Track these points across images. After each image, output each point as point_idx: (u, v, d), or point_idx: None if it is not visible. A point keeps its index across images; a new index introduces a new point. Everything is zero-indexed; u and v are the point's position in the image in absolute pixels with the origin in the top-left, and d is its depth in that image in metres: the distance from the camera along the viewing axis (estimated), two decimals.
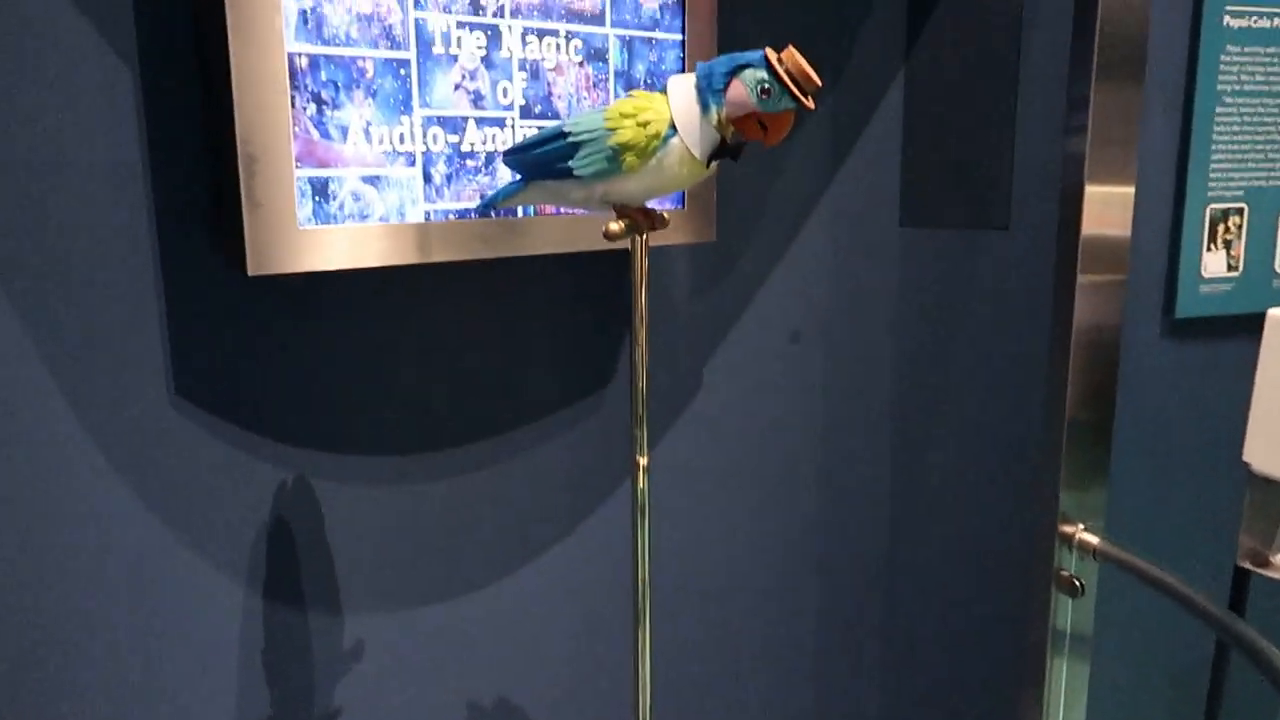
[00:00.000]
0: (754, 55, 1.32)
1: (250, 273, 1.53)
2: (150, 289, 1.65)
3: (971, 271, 2.17)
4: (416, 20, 1.65)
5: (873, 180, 2.26)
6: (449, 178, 1.73)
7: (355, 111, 1.60)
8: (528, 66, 1.79)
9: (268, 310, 1.76)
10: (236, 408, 1.75)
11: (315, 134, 1.57)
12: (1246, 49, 2.15)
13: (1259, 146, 2.22)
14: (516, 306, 2.02)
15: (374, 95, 1.62)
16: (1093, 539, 2.00)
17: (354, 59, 1.58)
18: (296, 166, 1.55)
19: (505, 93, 1.77)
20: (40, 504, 1.61)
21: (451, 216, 1.74)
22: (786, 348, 2.33)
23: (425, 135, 1.69)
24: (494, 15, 1.74)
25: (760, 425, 2.32)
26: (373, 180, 1.64)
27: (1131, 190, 2.01)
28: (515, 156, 1.46)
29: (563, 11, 1.82)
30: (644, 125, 1.34)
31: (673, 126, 1.34)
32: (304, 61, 1.54)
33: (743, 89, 1.30)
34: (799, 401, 2.35)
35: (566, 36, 1.83)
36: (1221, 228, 2.23)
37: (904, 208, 2.24)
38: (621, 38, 1.90)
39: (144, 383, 1.67)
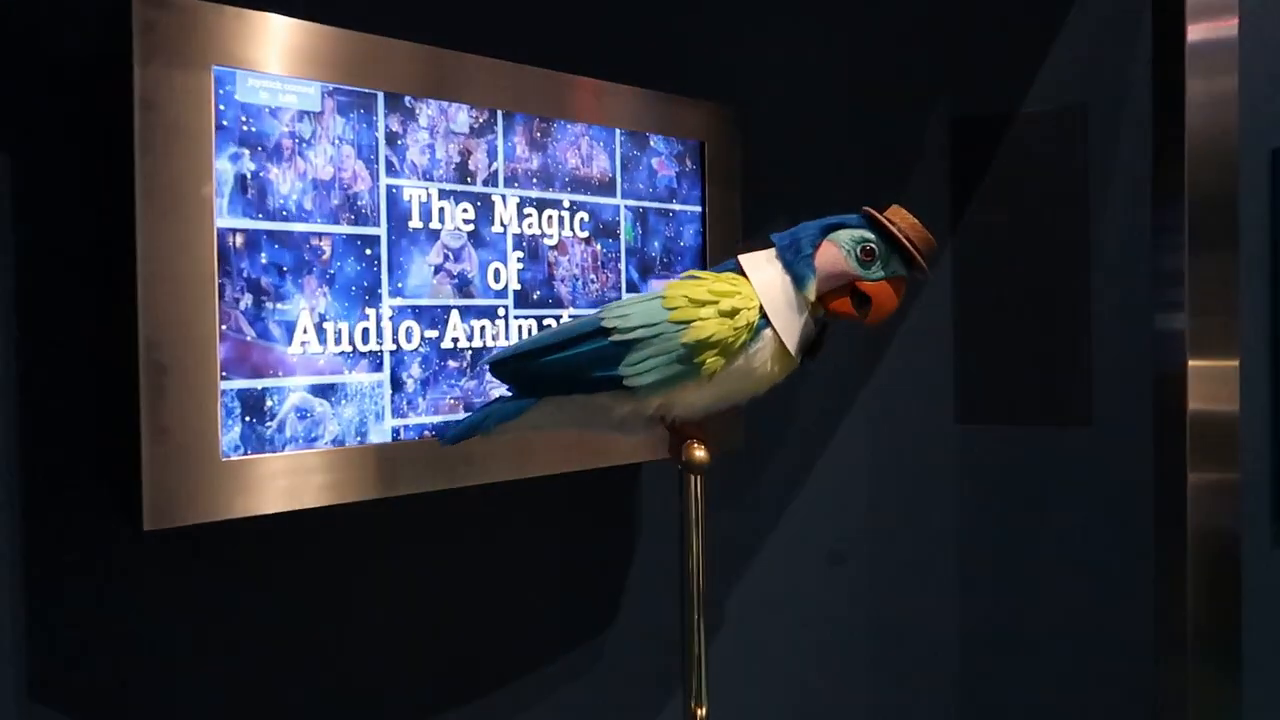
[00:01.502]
0: (850, 216, 1.02)
1: (147, 526, 1.09)
2: (5, 555, 1.18)
3: (1048, 472, 1.82)
4: (389, 189, 1.30)
5: (920, 372, 1.93)
6: (425, 383, 1.33)
7: (305, 303, 1.21)
8: (525, 244, 1.44)
9: (169, 583, 1.29)
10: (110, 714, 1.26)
11: (250, 333, 1.17)
12: None
13: None
14: (499, 546, 1.59)
15: (331, 282, 1.24)
16: None
17: (307, 236, 1.21)
18: (223, 377, 1.15)
19: (498, 276, 1.41)
20: None
21: (428, 434, 1.33)
22: (826, 571, 1.92)
23: (397, 331, 1.30)
24: (484, 183, 1.40)
25: (797, 669, 1.87)
26: (325, 391, 1.24)
27: (1236, 364, 1.72)
28: (517, 365, 1.06)
29: (566, 179, 1.49)
30: (730, 315, 0.99)
31: (763, 315, 1.00)
32: (239, 240, 1.16)
33: (837, 252, 1.00)
34: (842, 636, 1.92)
35: (571, 208, 1.50)
36: None
37: (960, 402, 1.90)
38: (633, 209, 1.58)
39: None
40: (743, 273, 1.03)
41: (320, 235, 1.23)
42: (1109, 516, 1.80)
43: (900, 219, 1.00)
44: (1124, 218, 1.79)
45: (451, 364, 1.36)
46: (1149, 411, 1.74)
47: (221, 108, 1.15)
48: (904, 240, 0.99)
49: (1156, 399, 1.74)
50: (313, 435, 1.23)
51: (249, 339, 1.17)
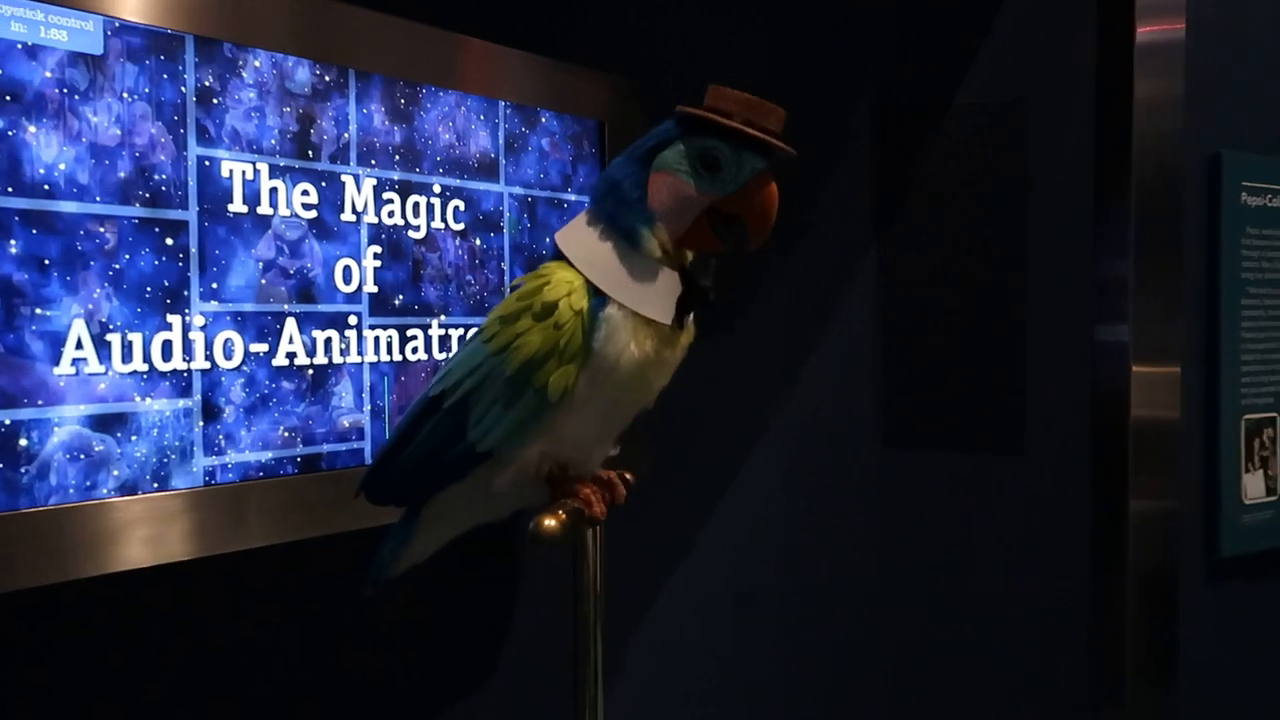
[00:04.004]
0: (664, 127, 0.79)
1: None
2: None
3: (978, 499, 1.66)
4: (201, 161, 1.00)
5: (842, 387, 1.73)
6: (250, 410, 1.05)
7: (79, 308, 0.92)
8: (384, 236, 1.17)
9: None
10: None
11: None
12: (1265, 231, 1.81)
13: None
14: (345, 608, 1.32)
15: (117, 281, 0.94)
16: None
17: (82, 220, 0.92)
18: None
19: (348, 276, 1.13)
20: None
21: (258, 475, 1.05)
22: (735, 615, 1.71)
23: (211, 344, 1.01)
24: (331, 160, 1.12)
25: None
26: (110, 424, 0.94)
27: (1178, 371, 1.60)
28: (383, 478, 0.84)
29: (438, 159, 1.22)
30: (547, 312, 0.76)
31: (596, 292, 0.77)
32: None
33: (672, 179, 0.77)
34: (757, 681, 1.72)
35: (443, 194, 1.23)
36: (1257, 442, 1.82)
37: (887, 422, 1.71)
38: (519, 198, 1.32)
39: None
40: (561, 255, 0.79)
41: (102, 219, 0.93)
42: (1036, 553, 1.64)
43: (728, 102, 0.76)
44: (1063, 220, 1.63)
45: (286, 385, 1.08)
46: (1086, 432, 1.59)
47: None
48: (747, 127, 0.75)
49: (1095, 414, 1.59)
50: (91, 483, 0.93)
51: None
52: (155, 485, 0.97)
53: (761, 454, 1.75)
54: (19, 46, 0.88)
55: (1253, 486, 1.87)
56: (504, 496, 0.82)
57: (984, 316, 1.67)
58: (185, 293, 0.99)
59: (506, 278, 1.31)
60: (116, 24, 0.94)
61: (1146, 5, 1.59)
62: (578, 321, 0.76)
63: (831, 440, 1.74)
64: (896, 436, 1.71)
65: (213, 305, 1.01)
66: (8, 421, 0.88)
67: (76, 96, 0.91)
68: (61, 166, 0.90)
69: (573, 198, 1.39)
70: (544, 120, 1.35)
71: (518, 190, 1.32)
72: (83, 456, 0.93)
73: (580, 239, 0.79)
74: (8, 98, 0.87)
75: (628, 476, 0.88)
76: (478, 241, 1.27)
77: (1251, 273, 1.84)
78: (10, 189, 0.87)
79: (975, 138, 1.68)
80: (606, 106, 1.42)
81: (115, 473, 0.95)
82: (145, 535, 0.97)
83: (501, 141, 1.30)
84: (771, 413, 1.77)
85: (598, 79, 1.41)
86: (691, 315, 0.80)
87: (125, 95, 0.94)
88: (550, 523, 0.78)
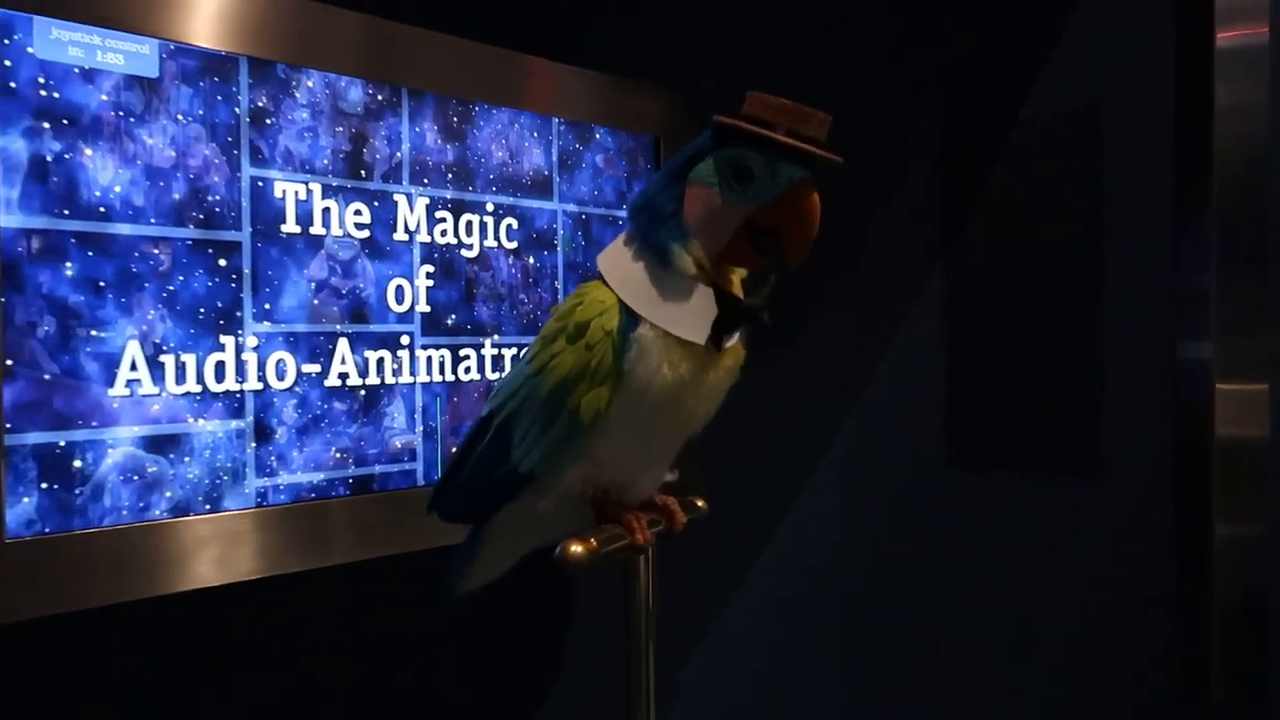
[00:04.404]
0: (701, 138, 0.74)
1: None
2: None
3: (1046, 525, 1.58)
4: (254, 182, 1.00)
5: (906, 408, 1.67)
6: (302, 431, 1.04)
7: (133, 329, 0.92)
8: (437, 255, 1.16)
9: None
10: None
11: (49, 369, 0.87)
12: None
13: None
14: (401, 631, 1.30)
15: (171, 302, 0.94)
16: None
17: (136, 242, 0.92)
18: (8, 430, 0.85)
19: (400, 295, 1.13)
20: None
21: (310, 497, 1.04)
22: (790, 640, 1.66)
23: (264, 365, 1.01)
24: (384, 179, 1.11)
25: None
26: (162, 445, 0.94)
27: (1265, 389, 1.51)
28: (448, 495, 0.83)
29: (490, 177, 1.21)
30: (579, 333, 0.73)
31: (629, 312, 0.73)
32: (35, 244, 0.86)
33: (706, 192, 0.72)
34: (807, 714, 1.66)
35: (496, 213, 1.22)
36: None
37: (951, 443, 1.65)
38: (573, 216, 1.31)
39: None
40: (600, 275, 0.76)
41: (156, 240, 0.94)
42: (1110, 580, 1.56)
43: (765, 109, 0.71)
44: (1141, 232, 1.56)
45: (338, 406, 1.07)
46: (1169, 452, 1.51)
47: (7, 64, 0.85)
48: (780, 135, 0.70)
49: (1177, 434, 1.51)
50: (145, 505, 0.93)
51: (49, 377, 0.87)
52: (212, 506, 0.97)
53: (819, 477, 1.70)
54: (76, 70, 0.88)
55: None
56: (551, 518, 0.80)
57: (1057, 334, 1.60)
58: (238, 314, 0.99)
59: (560, 296, 1.29)
60: (171, 46, 0.94)
61: (1227, 9, 1.52)
62: (609, 342, 0.72)
63: (892, 462, 1.68)
64: (960, 458, 1.65)
65: (265, 326, 1.01)
66: (63, 442, 0.88)
67: (132, 119, 0.92)
68: (117, 189, 0.91)
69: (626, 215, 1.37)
70: (598, 136, 1.33)
71: (571, 208, 1.30)
72: (136, 478, 0.93)
73: (615, 258, 0.76)
74: (65, 121, 0.88)
75: (699, 504, 0.85)
76: (531, 260, 1.26)
77: None
78: (66, 212, 0.88)
79: (1047, 147, 1.62)
80: (660, 121, 1.40)
81: (167, 496, 0.94)
82: (200, 557, 0.96)
83: (555, 158, 1.28)
84: (830, 433, 1.72)
85: (652, 94, 1.39)
86: (736, 336, 0.76)
87: (180, 117, 0.95)
88: (577, 549, 0.74)
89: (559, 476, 0.77)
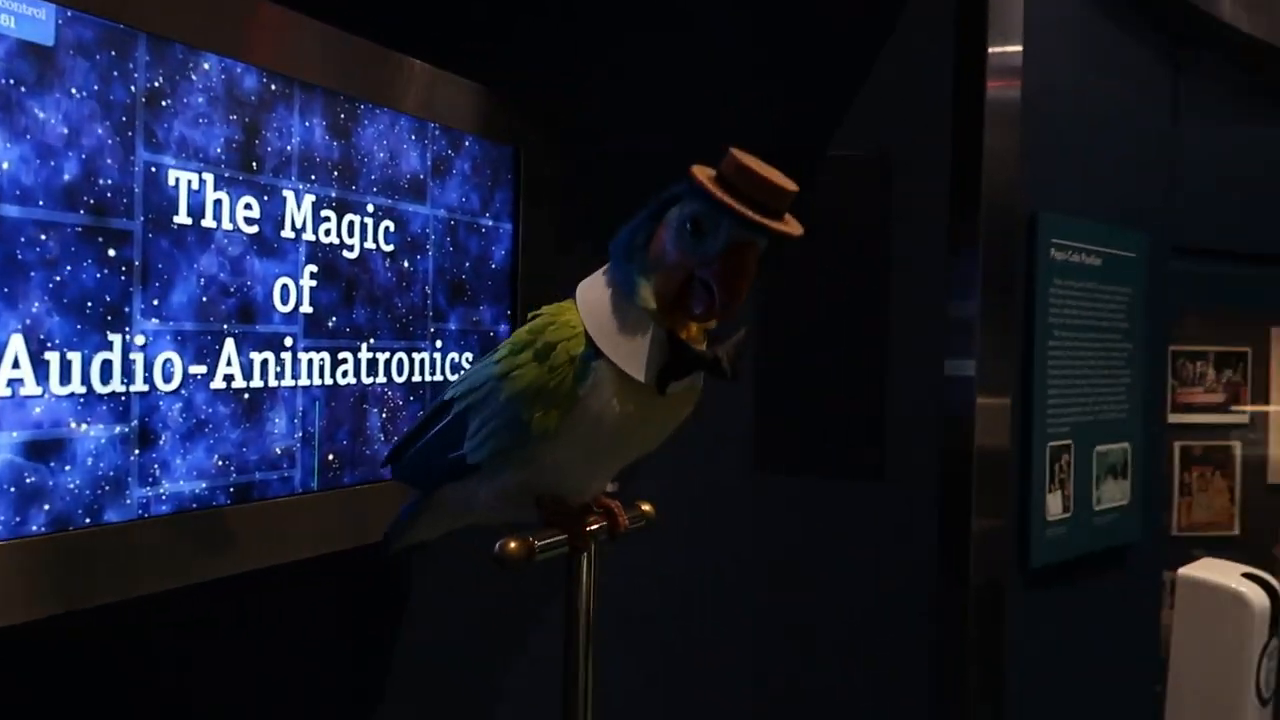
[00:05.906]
0: (682, 184, 0.77)
1: None
2: None
3: (838, 524, 1.78)
4: (149, 168, 0.93)
5: (720, 413, 1.81)
6: (185, 438, 0.97)
7: (15, 323, 0.82)
8: (320, 255, 1.12)
9: None
10: None
11: None
12: (1066, 282, 2.08)
13: (1079, 381, 2.14)
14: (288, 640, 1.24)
15: (56, 296, 0.85)
16: None
17: (20, 226, 0.83)
18: None
19: (286, 295, 1.08)
20: None
21: (192, 507, 0.97)
22: (622, 628, 1.73)
23: (151, 365, 0.94)
24: (273, 173, 1.06)
25: None
26: (40, 452, 0.85)
27: (1009, 401, 1.80)
28: (402, 460, 0.88)
29: (372, 178, 1.19)
30: (545, 352, 0.77)
31: (591, 344, 0.77)
32: None
33: (666, 234, 0.76)
34: (634, 694, 1.75)
35: (375, 214, 1.20)
36: (1057, 466, 2.08)
37: (757, 447, 1.81)
38: (444, 221, 1.31)
39: None
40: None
41: (43, 226, 0.84)
42: (890, 569, 1.79)
43: (734, 170, 0.73)
44: (920, 264, 1.80)
45: (222, 410, 1.01)
46: (936, 459, 1.75)
47: None
48: (725, 196, 0.72)
49: (945, 442, 1.75)
50: (19, 520, 0.83)
51: None
52: (93, 518, 0.88)
53: (639, 473, 1.80)
54: None
55: (1053, 505, 2.13)
56: (491, 505, 0.83)
57: (849, 350, 1.81)
58: (126, 309, 0.91)
59: (429, 302, 1.28)
60: (69, 14, 0.85)
61: (995, 65, 1.76)
62: (570, 369, 0.76)
63: (708, 461, 1.81)
64: (765, 460, 1.82)
65: (154, 323, 0.94)
66: None
67: (24, 88, 0.82)
68: (5, 165, 0.81)
69: (489, 222, 1.39)
70: (467, 144, 1.34)
71: (443, 213, 1.30)
72: (10, 489, 0.83)
73: (591, 285, 0.79)
74: None
75: (645, 507, 0.90)
76: (404, 263, 1.24)
77: (1058, 318, 2.11)
78: None
79: (846, 184, 1.82)
80: (522, 132, 1.43)
81: (43, 508, 0.85)
82: (79, 576, 0.87)
83: (429, 163, 1.28)
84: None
85: (513, 103, 1.42)
86: (687, 381, 0.78)
87: (74, 91, 0.86)
88: (514, 546, 0.79)
89: (502, 475, 0.81)
